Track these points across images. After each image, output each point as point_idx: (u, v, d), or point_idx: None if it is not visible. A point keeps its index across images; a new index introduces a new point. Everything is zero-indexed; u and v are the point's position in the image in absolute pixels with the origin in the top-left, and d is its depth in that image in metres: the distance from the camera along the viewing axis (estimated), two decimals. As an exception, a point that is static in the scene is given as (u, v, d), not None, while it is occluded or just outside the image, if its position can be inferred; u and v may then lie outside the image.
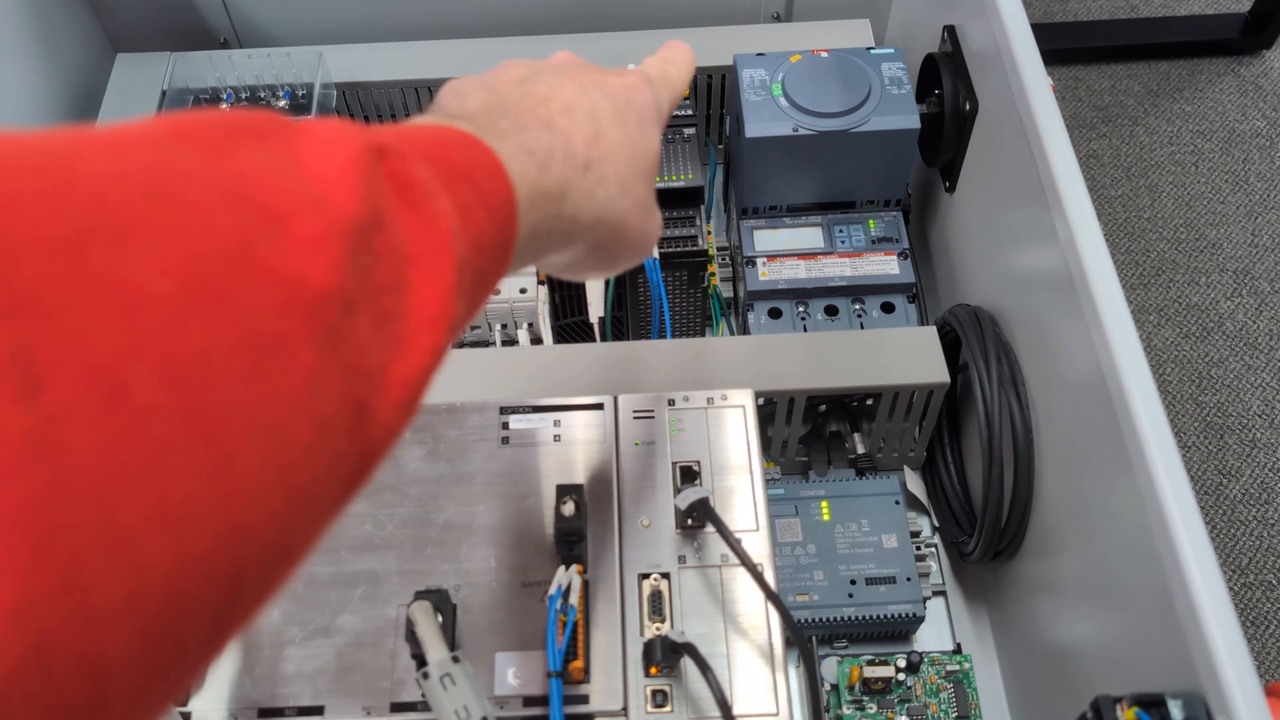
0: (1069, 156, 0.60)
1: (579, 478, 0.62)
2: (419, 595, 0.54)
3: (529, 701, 0.55)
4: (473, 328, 0.81)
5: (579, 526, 0.57)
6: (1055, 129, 0.61)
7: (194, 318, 0.22)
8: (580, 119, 0.40)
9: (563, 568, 0.57)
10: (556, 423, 0.64)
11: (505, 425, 0.64)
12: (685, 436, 0.64)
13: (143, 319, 0.21)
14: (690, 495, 0.58)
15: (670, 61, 0.50)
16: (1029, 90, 0.62)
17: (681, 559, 0.59)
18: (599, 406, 0.65)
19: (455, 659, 0.49)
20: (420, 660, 0.53)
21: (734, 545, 0.55)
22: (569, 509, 0.57)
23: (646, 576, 0.59)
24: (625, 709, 0.55)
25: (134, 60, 0.86)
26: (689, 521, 0.59)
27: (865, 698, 0.66)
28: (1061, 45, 1.88)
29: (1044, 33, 2.01)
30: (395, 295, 0.27)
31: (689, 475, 0.62)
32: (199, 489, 0.21)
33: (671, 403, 0.65)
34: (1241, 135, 1.78)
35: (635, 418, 0.64)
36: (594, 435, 0.64)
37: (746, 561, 0.55)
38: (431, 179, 0.30)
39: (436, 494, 0.62)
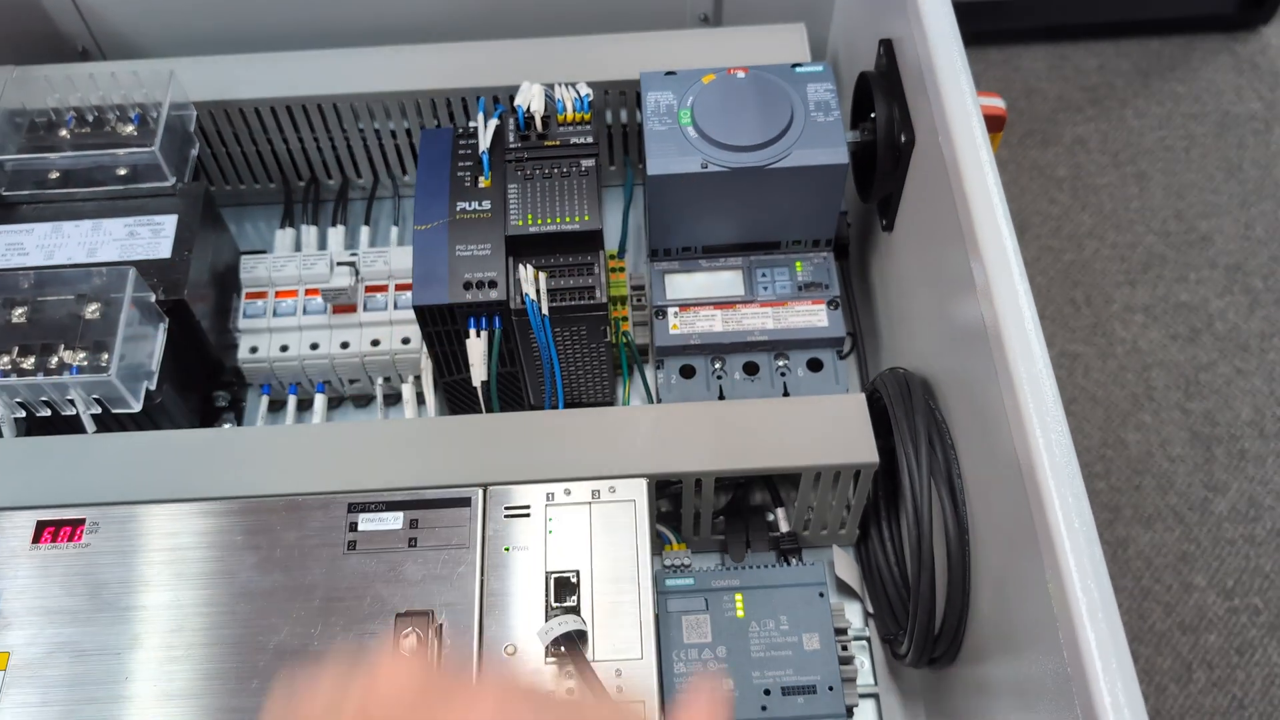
0: (993, 196, 0.50)
1: (434, 594, 0.53)
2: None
3: None
4: (352, 380, 0.72)
5: (420, 667, 0.48)
6: (976, 163, 0.51)
7: None
8: None
9: (400, 717, 0.48)
10: (413, 522, 0.55)
11: (353, 526, 0.55)
12: (564, 539, 0.54)
13: None
14: (555, 628, 0.49)
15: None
16: (950, 114, 0.52)
17: (551, 695, 0.50)
18: (465, 503, 0.55)
19: None
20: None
21: (594, 684, 0.46)
22: (410, 644, 0.48)
23: (507, 718, 0.50)
24: None
25: (-28, 75, 0.76)
26: (559, 649, 0.50)
27: (776, 834, 0.58)
28: (1047, 21, 1.77)
29: (1027, 8, 1.90)
30: None
31: (566, 589, 0.53)
32: None
33: (550, 497, 0.56)
34: (1236, 118, 1.68)
35: (507, 516, 0.55)
36: (457, 537, 0.54)
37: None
38: None
39: (268, 611, 0.53)
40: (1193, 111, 1.69)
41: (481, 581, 0.53)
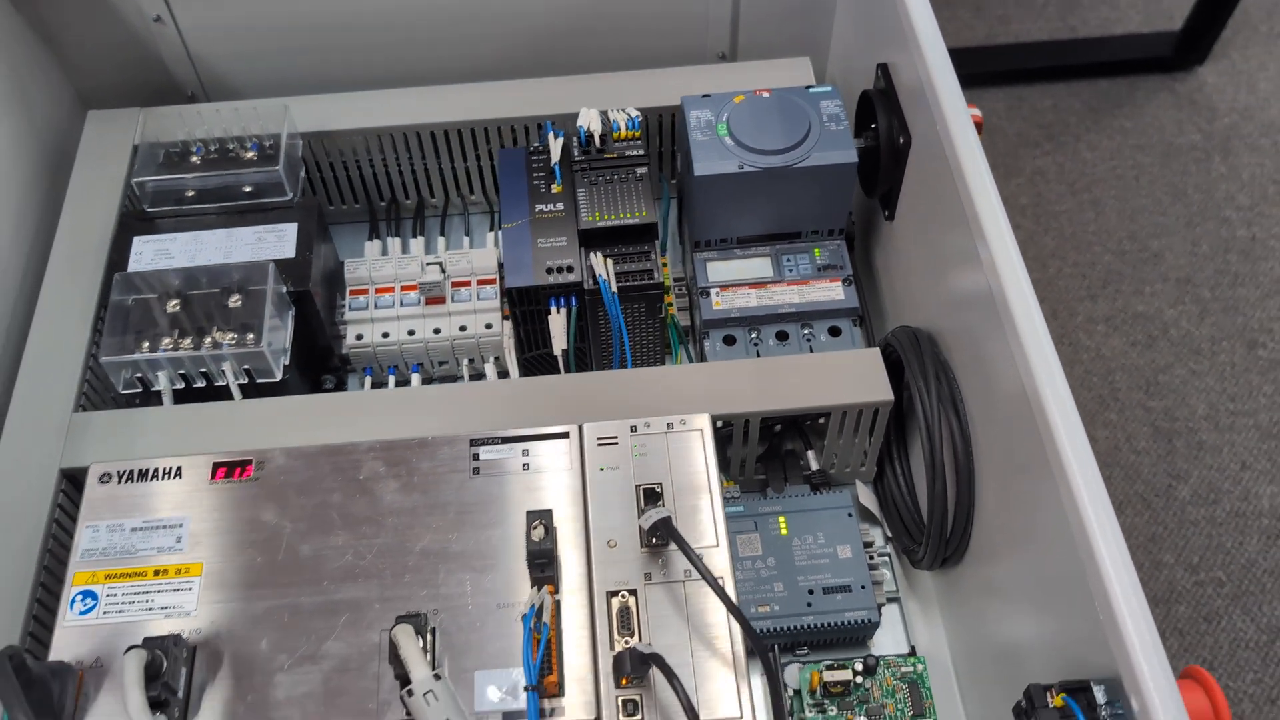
0: (988, 184, 0.64)
1: (548, 503, 0.65)
2: (400, 619, 0.58)
3: (508, 716, 0.58)
4: (441, 363, 0.85)
5: (549, 549, 0.61)
6: (974, 158, 0.65)
7: None
8: None
9: (535, 588, 0.61)
10: (525, 452, 0.68)
11: (476, 456, 0.67)
12: (647, 460, 0.67)
13: None
14: (653, 515, 0.62)
15: None
16: (950, 119, 0.66)
17: (647, 576, 0.63)
18: (565, 435, 0.68)
19: (437, 676, 0.53)
20: (404, 680, 0.56)
21: (695, 560, 0.59)
22: (539, 533, 0.61)
23: (615, 594, 0.62)
24: (599, 719, 0.58)
25: (105, 117, 0.89)
26: (653, 540, 0.63)
27: (826, 701, 0.70)
28: (1005, 67, 1.94)
29: (987, 55, 2.08)
30: None
31: (652, 497, 0.66)
32: None
33: (634, 429, 0.69)
34: (1179, 149, 1.85)
35: (600, 444, 0.68)
36: (561, 463, 0.67)
37: (707, 575, 0.58)
38: None
39: (413, 524, 0.65)
40: (1139, 144, 1.86)
41: (584, 492, 0.66)
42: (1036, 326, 0.60)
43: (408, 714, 0.58)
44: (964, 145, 0.66)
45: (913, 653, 0.74)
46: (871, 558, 0.75)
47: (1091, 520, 0.52)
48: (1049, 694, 0.49)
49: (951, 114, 0.67)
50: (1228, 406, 1.58)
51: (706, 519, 0.65)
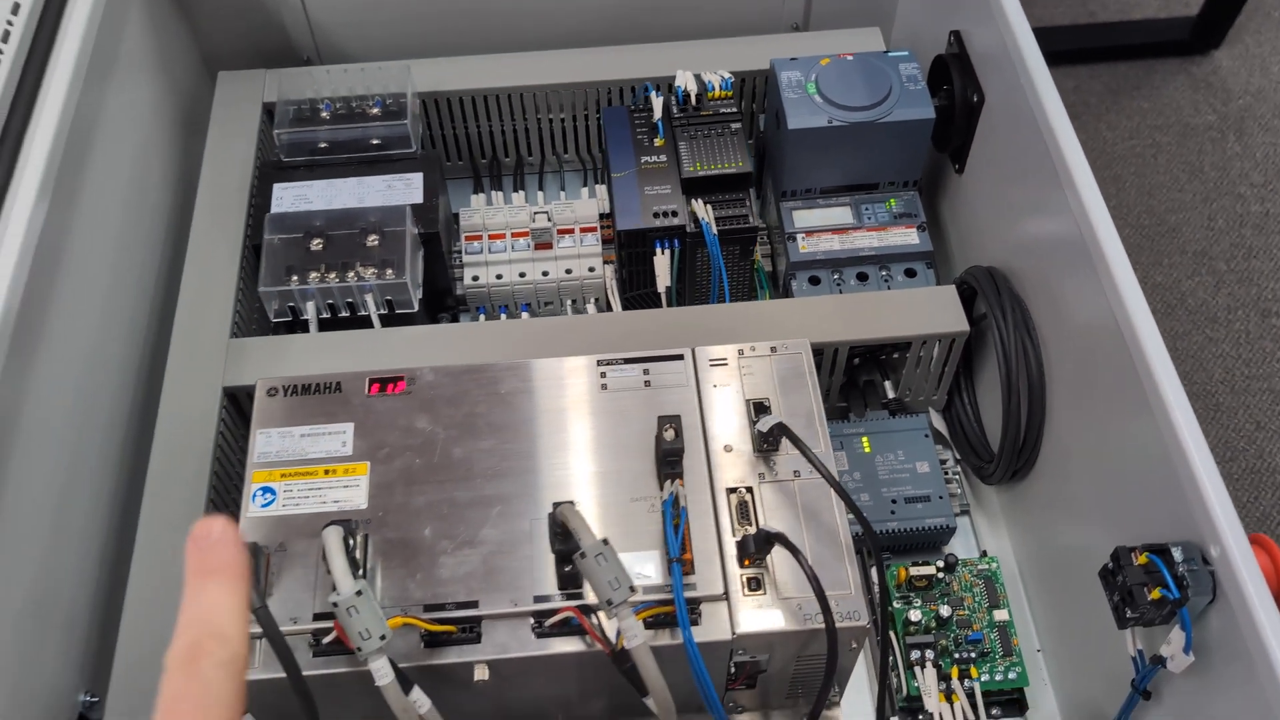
0: (1073, 138, 0.73)
1: (669, 412, 0.73)
2: (558, 504, 0.66)
3: (648, 590, 0.67)
4: (547, 303, 0.93)
5: (679, 448, 0.69)
6: (1061, 114, 0.73)
7: None
8: None
9: (669, 481, 0.69)
10: (646, 371, 0.76)
11: (603, 375, 0.76)
12: (755, 379, 0.76)
13: None
14: (769, 420, 0.70)
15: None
16: (1037, 82, 0.75)
17: (761, 475, 0.71)
18: (680, 357, 0.77)
19: (605, 541, 0.61)
20: (564, 555, 0.64)
21: (809, 454, 0.67)
22: (670, 434, 0.69)
23: (734, 490, 0.71)
24: (726, 593, 0.67)
25: (234, 77, 0.97)
26: (764, 446, 0.71)
27: (911, 594, 0.79)
28: (1028, 50, 2.02)
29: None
30: None
31: (761, 408, 0.74)
32: None
33: (741, 352, 0.77)
34: (1195, 129, 1.93)
35: (711, 365, 0.76)
36: (678, 380, 0.76)
37: (821, 468, 0.67)
38: None
39: (550, 431, 0.73)
40: (1157, 124, 1.95)
41: (700, 405, 0.74)
42: (1125, 263, 0.68)
43: (560, 587, 0.66)
44: (1050, 101, 0.74)
45: (984, 555, 0.82)
46: (946, 474, 0.83)
47: (1177, 411, 0.60)
48: (1134, 554, 0.57)
49: (1037, 73, 0.75)
50: (1243, 371, 1.67)
51: (811, 429, 0.73)
